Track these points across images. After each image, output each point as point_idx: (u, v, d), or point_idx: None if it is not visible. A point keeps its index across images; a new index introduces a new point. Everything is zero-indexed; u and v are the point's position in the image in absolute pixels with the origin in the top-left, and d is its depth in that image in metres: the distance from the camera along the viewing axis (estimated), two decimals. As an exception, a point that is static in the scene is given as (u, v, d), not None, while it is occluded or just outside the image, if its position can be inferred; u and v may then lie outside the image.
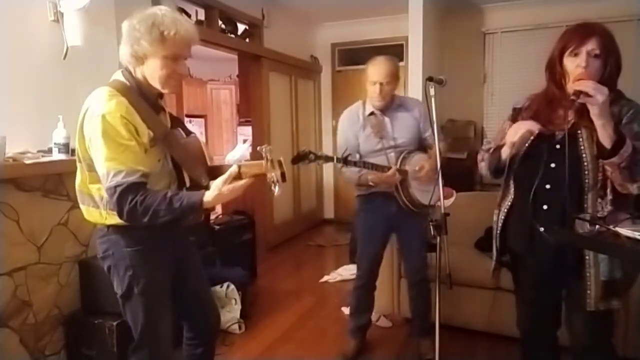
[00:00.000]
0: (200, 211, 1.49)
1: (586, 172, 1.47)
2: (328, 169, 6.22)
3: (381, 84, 2.36)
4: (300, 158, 2.24)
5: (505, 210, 1.70)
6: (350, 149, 2.42)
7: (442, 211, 1.94)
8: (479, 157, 1.79)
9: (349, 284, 3.82)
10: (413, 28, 4.35)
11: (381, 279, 3.07)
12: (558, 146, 1.50)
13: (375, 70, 2.39)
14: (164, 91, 1.54)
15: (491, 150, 1.70)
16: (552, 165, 1.52)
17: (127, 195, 1.40)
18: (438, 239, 1.98)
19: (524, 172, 1.60)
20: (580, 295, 1.52)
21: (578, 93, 1.34)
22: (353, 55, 6.06)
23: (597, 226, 1.26)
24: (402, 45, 5.55)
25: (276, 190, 1.50)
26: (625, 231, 1.16)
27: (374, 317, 3.16)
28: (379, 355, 2.75)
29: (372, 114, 2.47)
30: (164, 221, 1.43)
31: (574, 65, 1.47)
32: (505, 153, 1.60)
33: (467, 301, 2.78)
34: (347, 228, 4.57)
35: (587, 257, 1.49)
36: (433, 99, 1.91)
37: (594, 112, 1.35)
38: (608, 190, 1.45)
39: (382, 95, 2.39)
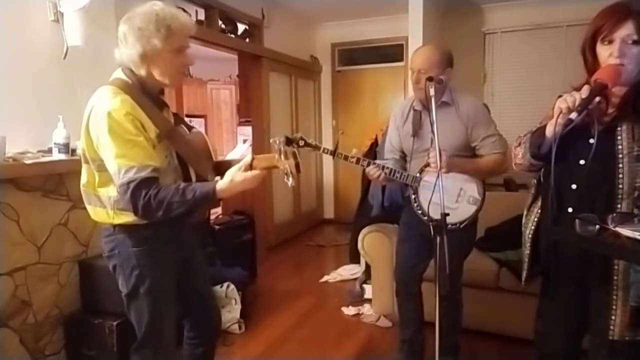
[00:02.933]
0: (213, 201, 1.49)
1: (620, 176, 1.27)
2: (328, 168, 6.23)
3: (419, 71, 2.09)
4: (290, 142, 2.13)
5: (539, 212, 1.50)
6: (393, 143, 2.32)
7: (442, 211, 1.94)
8: (515, 142, 1.53)
9: (349, 284, 3.83)
10: (413, 28, 4.35)
11: (381, 278, 3.08)
12: (591, 140, 1.26)
13: (414, 57, 2.16)
14: (172, 86, 1.56)
15: (532, 130, 1.44)
16: (581, 162, 1.32)
17: (140, 191, 1.40)
18: (437, 239, 1.98)
19: (550, 167, 1.36)
20: (603, 323, 1.33)
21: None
22: (353, 55, 6.06)
23: (597, 226, 1.17)
24: (402, 45, 5.56)
25: (290, 182, 1.49)
26: (625, 231, 1.14)
27: (374, 317, 3.17)
28: (379, 355, 2.75)
29: (414, 109, 2.24)
30: (178, 213, 1.43)
31: (606, 54, 1.26)
32: (549, 131, 1.29)
33: (467, 301, 2.78)
34: (347, 228, 4.56)
35: (615, 278, 1.30)
36: (433, 99, 1.92)
37: None
38: None
39: (420, 85, 2.07)
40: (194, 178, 1.60)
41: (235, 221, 3.84)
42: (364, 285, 3.54)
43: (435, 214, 1.95)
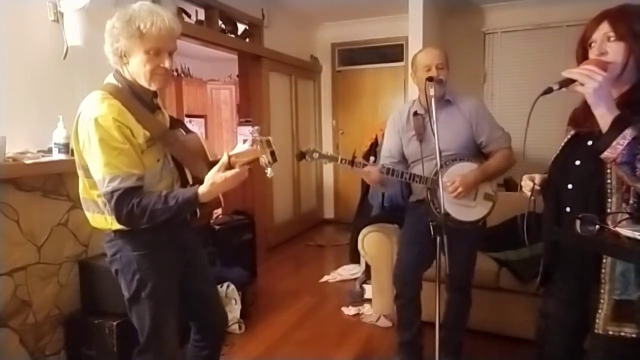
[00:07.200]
0: (197, 206, 1.48)
1: (608, 171, 1.30)
2: (328, 169, 6.22)
3: (437, 66, 2.09)
4: (303, 155, 2.07)
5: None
6: (392, 148, 2.29)
7: (442, 211, 1.94)
8: None
9: (349, 284, 3.83)
10: (413, 28, 4.35)
11: (381, 278, 3.08)
12: (590, 142, 1.33)
13: (428, 54, 2.16)
14: (151, 88, 1.52)
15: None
16: (577, 162, 1.38)
17: (124, 200, 1.40)
18: (438, 239, 1.98)
19: (553, 170, 1.46)
20: (592, 316, 1.35)
21: (566, 82, 1.23)
22: (353, 55, 6.06)
23: (597, 226, 1.19)
24: (402, 45, 5.56)
25: (269, 172, 1.48)
26: (625, 231, 1.14)
27: (374, 317, 3.17)
28: (379, 355, 2.75)
29: (416, 113, 2.24)
30: (162, 220, 1.43)
31: (593, 56, 1.32)
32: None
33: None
34: (347, 228, 4.57)
35: (603, 271, 1.32)
36: (433, 99, 1.92)
37: (589, 101, 1.23)
38: (631, 194, 1.27)
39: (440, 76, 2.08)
40: (190, 179, 1.60)
41: (235, 221, 3.84)
42: (364, 285, 3.54)
43: (455, 213, 2.08)
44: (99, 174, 1.42)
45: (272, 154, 1.49)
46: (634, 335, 1.29)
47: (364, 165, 2.06)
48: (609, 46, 1.29)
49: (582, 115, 1.38)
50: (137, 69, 1.47)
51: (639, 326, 1.28)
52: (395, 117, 2.34)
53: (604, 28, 1.30)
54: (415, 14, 4.33)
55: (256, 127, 1.53)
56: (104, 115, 1.40)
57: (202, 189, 1.43)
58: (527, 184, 1.49)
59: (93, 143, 1.40)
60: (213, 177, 1.43)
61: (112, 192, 1.39)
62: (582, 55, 1.38)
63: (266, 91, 4.91)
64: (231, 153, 1.52)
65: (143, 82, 1.49)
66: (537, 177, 1.49)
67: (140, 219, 1.42)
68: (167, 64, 1.49)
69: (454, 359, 2.35)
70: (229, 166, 1.46)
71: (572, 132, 1.45)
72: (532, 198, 1.48)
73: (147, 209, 1.40)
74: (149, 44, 1.43)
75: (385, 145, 2.38)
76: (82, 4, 2.40)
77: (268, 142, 1.50)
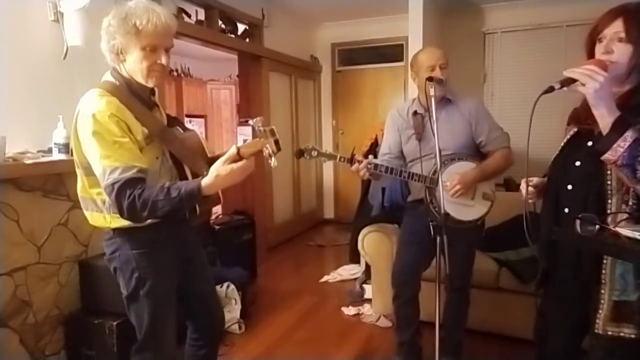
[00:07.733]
0: (199, 198, 1.44)
1: (608, 172, 1.30)
2: (328, 169, 6.22)
3: (440, 66, 2.10)
4: (302, 153, 2.06)
5: None
6: (392, 146, 2.29)
7: (442, 211, 1.94)
8: None
9: (349, 284, 3.83)
10: (413, 28, 4.35)
11: (381, 278, 3.08)
12: (590, 143, 1.34)
13: (431, 55, 2.15)
14: (148, 84, 1.52)
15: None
16: (577, 163, 1.38)
17: (124, 191, 1.38)
18: (438, 239, 1.98)
19: (552, 170, 1.47)
20: (592, 316, 1.36)
21: (567, 81, 1.23)
22: (353, 55, 6.06)
23: (597, 226, 1.19)
24: (402, 45, 5.56)
25: (272, 162, 1.46)
26: (625, 231, 1.14)
27: (374, 317, 3.17)
28: (379, 355, 2.75)
29: (415, 113, 2.24)
30: (164, 212, 1.40)
31: (599, 52, 1.31)
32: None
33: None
34: (347, 228, 4.57)
35: (603, 272, 1.33)
36: (433, 99, 1.92)
37: (589, 101, 1.23)
38: (630, 195, 1.28)
39: (442, 76, 2.08)
40: (189, 177, 1.59)
41: (235, 221, 3.84)
42: (364, 285, 3.54)
43: (453, 212, 2.07)
44: (99, 168, 1.41)
45: (277, 142, 1.46)
46: (632, 336, 1.29)
47: (359, 161, 2.04)
48: (616, 45, 1.28)
49: (584, 114, 1.37)
50: (134, 66, 1.47)
51: (637, 327, 1.29)
52: (394, 114, 2.35)
53: (617, 26, 1.28)
54: (415, 14, 4.33)
55: (259, 118, 1.51)
56: (101, 111, 1.40)
57: (205, 181, 1.40)
58: (524, 187, 1.50)
59: (92, 138, 1.40)
60: (218, 170, 1.41)
61: (113, 183, 1.38)
62: (590, 48, 1.37)
63: (266, 91, 4.91)
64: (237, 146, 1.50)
65: (140, 79, 1.50)
66: (534, 179, 1.51)
67: (142, 211, 1.39)
68: (163, 61, 1.49)
69: (454, 359, 2.35)
70: (237, 159, 1.43)
71: (572, 132, 1.45)
72: (531, 201, 1.49)
73: (149, 201, 1.38)
74: (145, 41, 1.44)
75: (384, 142, 2.38)
76: (82, 4, 2.40)
77: (272, 131, 1.47)
